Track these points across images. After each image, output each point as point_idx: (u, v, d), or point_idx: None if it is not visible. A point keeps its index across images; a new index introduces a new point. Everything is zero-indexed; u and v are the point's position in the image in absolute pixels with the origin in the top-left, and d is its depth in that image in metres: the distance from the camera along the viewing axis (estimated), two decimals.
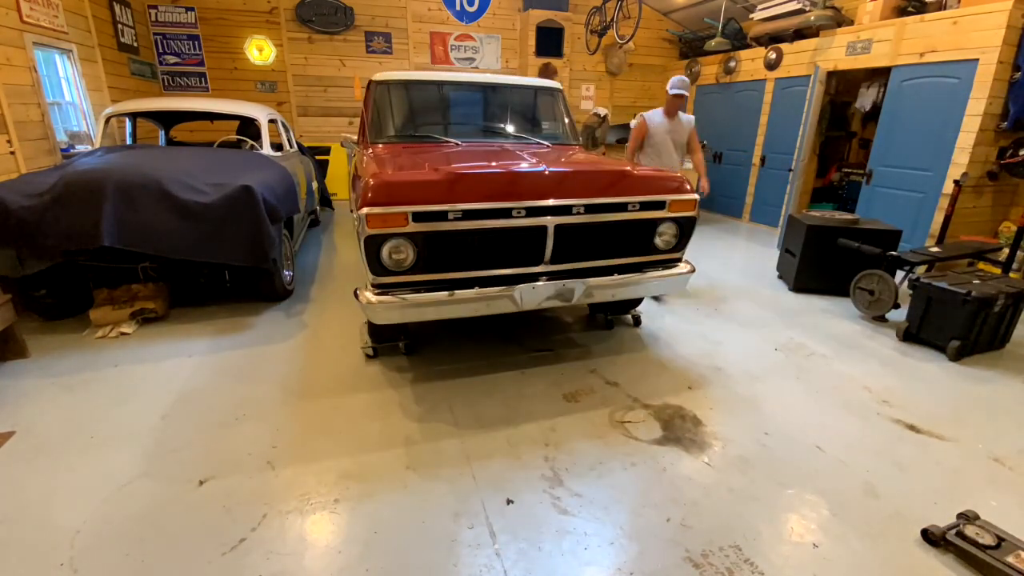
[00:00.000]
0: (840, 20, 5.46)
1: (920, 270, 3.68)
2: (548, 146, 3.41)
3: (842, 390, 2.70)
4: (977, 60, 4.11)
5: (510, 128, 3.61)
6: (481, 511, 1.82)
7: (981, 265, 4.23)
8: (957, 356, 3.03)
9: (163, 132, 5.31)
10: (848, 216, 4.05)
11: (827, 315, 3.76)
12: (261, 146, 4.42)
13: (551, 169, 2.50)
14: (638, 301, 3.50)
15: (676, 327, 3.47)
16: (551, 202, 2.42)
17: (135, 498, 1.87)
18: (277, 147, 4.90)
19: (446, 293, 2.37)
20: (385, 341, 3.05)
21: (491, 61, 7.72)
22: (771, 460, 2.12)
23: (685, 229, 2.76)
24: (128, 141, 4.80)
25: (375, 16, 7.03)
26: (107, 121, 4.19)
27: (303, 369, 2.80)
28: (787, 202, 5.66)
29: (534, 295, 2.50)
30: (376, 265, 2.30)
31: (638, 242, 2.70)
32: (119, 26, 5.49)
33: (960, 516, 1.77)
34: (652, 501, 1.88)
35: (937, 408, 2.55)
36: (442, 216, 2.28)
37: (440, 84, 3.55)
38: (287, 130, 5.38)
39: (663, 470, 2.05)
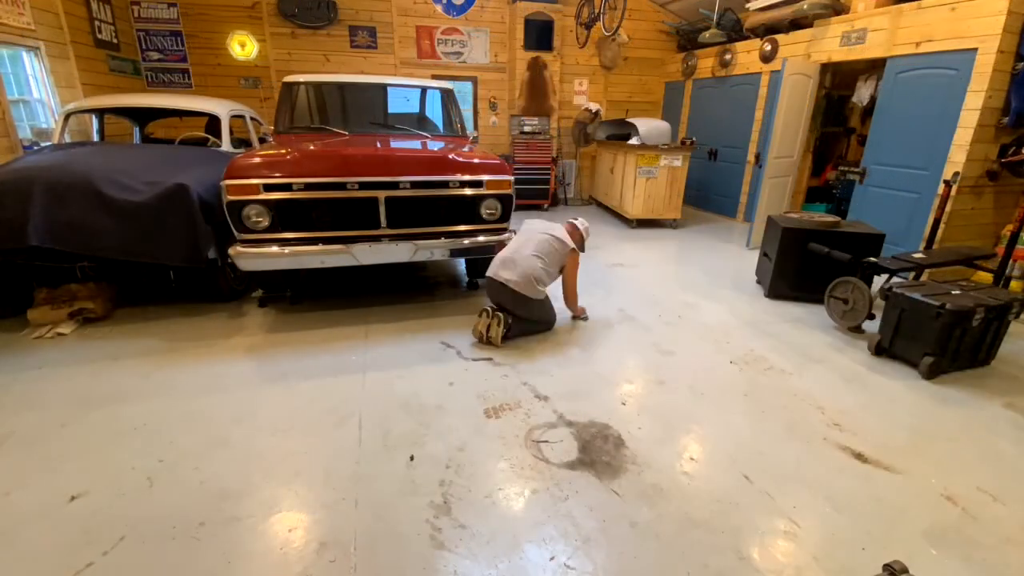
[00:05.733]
0: (836, 9, 5.13)
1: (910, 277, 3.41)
2: (428, 137, 4.00)
3: (792, 410, 2.48)
4: (976, 50, 3.78)
5: (399, 122, 4.24)
6: (351, 542, 1.67)
7: (979, 275, 3.91)
8: (931, 374, 2.76)
9: (137, 129, 5.29)
10: (828, 218, 3.77)
11: (799, 325, 3.50)
12: (221, 142, 4.34)
13: (382, 152, 3.15)
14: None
15: (630, 336, 3.27)
16: (379, 178, 3.04)
17: (2, 511, 1.78)
18: (243, 143, 4.84)
19: (293, 247, 3.01)
20: (273, 291, 3.71)
21: (479, 55, 7.55)
22: (688, 491, 1.93)
23: (505, 204, 3.37)
24: (95, 138, 4.79)
25: (359, 10, 6.91)
26: (67, 118, 4.15)
27: (220, 376, 2.69)
28: (761, 200, 5.36)
29: (369, 252, 3.13)
30: (239, 225, 2.96)
31: (466, 213, 3.32)
32: (96, 23, 5.48)
33: (886, 568, 1.55)
34: (541, 535, 1.71)
35: (894, 434, 2.31)
36: (287, 187, 2.92)
37: (342, 85, 4.15)
38: (262, 125, 5.30)
39: (564, 499, 1.87)
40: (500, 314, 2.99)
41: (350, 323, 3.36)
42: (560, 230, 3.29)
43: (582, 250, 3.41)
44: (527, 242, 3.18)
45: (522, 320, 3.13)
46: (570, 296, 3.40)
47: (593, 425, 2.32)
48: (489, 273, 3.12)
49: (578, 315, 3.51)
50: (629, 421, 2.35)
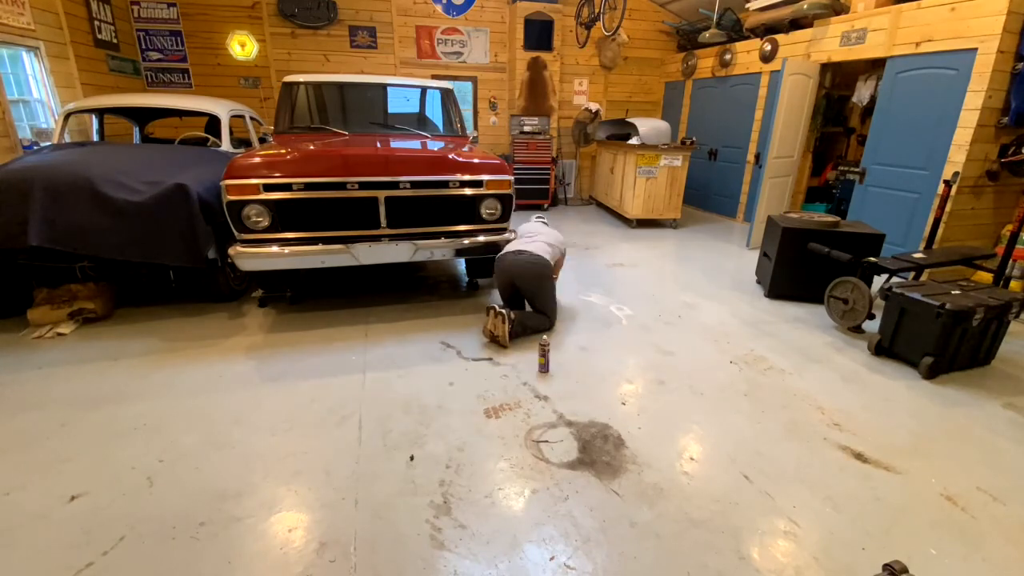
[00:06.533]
0: (836, 9, 5.12)
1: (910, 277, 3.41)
2: (428, 137, 4.00)
3: (792, 410, 2.48)
4: (976, 50, 3.78)
5: (399, 122, 4.24)
6: (351, 542, 1.68)
7: (978, 275, 3.91)
8: (931, 374, 2.76)
9: (137, 129, 5.29)
10: (828, 218, 3.77)
11: (799, 325, 3.50)
12: (221, 142, 4.34)
13: (382, 151, 3.11)
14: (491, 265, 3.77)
15: (629, 336, 3.27)
16: (379, 178, 3.04)
17: (2, 511, 1.78)
18: (243, 143, 4.84)
19: (293, 247, 3.01)
20: (273, 291, 3.69)
21: (479, 55, 7.54)
22: (688, 491, 1.93)
23: (505, 204, 3.37)
24: (95, 138, 4.79)
25: (359, 10, 6.91)
26: (66, 118, 4.15)
27: (220, 376, 2.69)
28: (761, 200, 5.36)
29: (370, 252, 3.13)
30: (239, 225, 2.96)
31: (466, 213, 3.32)
32: (96, 23, 5.48)
33: (886, 567, 1.55)
34: (541, 536, 1.71)
35: (894, 434, 2.31)
36: (287, 187, 2.92)
37: (342, 85, 4.14)
38: (263, 125, 5.29)
39: (565, 499, 1.87)
40: (504, 311, 2.99)
41: (350, 323, 3.36)
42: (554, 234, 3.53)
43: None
44: (535, 235, 3.40)
45: (527, 312, 3.17)
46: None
47: (593, 425, 2.32)
48: (501, 255, 3.28)
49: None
50: (629, 421, 2.35)
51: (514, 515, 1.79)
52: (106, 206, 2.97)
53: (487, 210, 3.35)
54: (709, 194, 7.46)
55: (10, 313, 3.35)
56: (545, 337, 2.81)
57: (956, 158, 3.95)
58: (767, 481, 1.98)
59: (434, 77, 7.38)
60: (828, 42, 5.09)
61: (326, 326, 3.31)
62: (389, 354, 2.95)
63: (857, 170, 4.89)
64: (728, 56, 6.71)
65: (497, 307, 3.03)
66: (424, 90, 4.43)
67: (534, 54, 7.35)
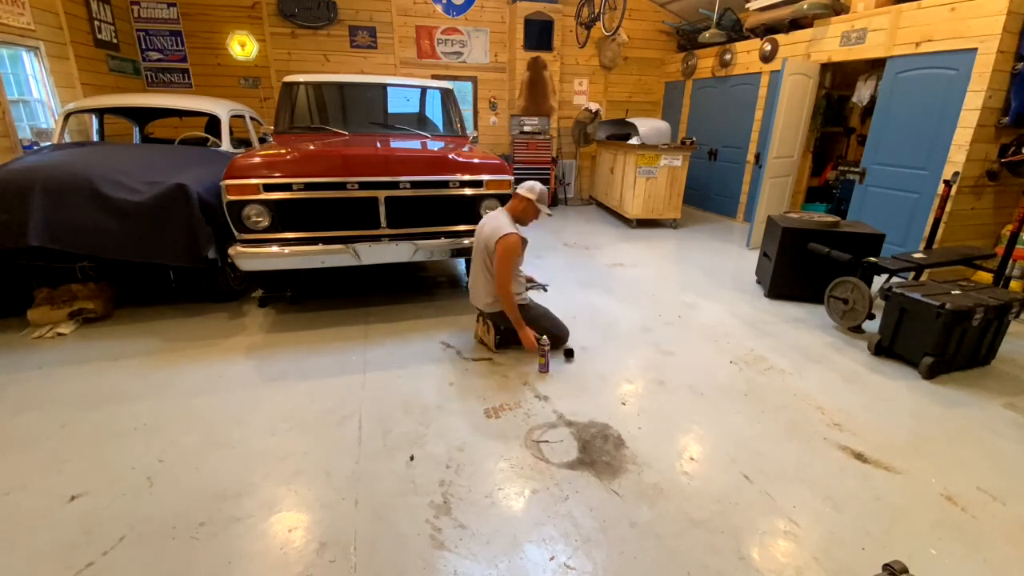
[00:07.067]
0: (836, 9, 5.12)
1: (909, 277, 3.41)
2: (428, 137, 3.99)
3: (792, 410, 2.47)
4: (976, 50, 3.78)
5: (399, 122, 4.23)
6: (351, 542, 1.68)
7: (979, 275, 3.91)
8: (931, 374, 2.76)
9: (137, 129, 5.29)
10: (828, 218, 3.77)
11: (799, 325, 3.50)
12: (221, 142, 4.34)
13: (382, 151, 3.11)
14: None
15: (629, 335, 3.27)
16: (379, 178, 3.04)
17: (2, 511, 1.78)
18: (243, 143, 4.84)
19: (293, 247, 3.01)
20: (273, 291, 3.68)
21: (479, 55, 7.54)
22: (689, 490, 1.92)
23: (504, 203, 3.20)
24: (95, 138, 4.79)
25: (359, 10, 6.91)
26: (66, 118, 4.15)
27: (220, 376, 2.69)
28: (761, 200, 5.36)
29: (369, 252, 3.12)
30: (239, 225, 2.96)
31: (466, 213, 3.32)
32: (96, 22, 5.48)
33: (886, 567, 1.55)
34: (541, 536, 1.71)
35: (894, 434, 2.31)
36: (287, 187, 2.92)
37: (342, 85, 4.16)
38: (263, 125, 5.29)
39: (565, 499, 1.87)
40: (489, 321, 2.99)
41: (350, 323, 3.36)
42: (498, 218, 2.83)
43: (535, 215, 2.90)
44: (474, 260, 2.95)
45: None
46: (502, 297, 2.77)
47: (593, 425, 2.32)
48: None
49: (527, 343, 2.81)
50: (629, 421, 2.35)
51: (514, 515, 1.79)
52: (107, 206, 2.97)
53: (487, 210, 3.33)
54: (709, 194, 7.46)
55: (10, 313, 3.35)
56: (545, 337, 2.80)
57: (956, 158, 3.95)
58: (767, 481, 1.98)
59: (434, 77, 7.38)
60: (828, 42, 5.09)
61: (326, 326, 3.31)
62: (389, 354, 2.95)
63: (857, 170, 4.89)
64: (728, 56, 6.71)
65: (486, 315, 3.02)
66: (424, 90, 4.43)
67: (534, 54, 7.35)
